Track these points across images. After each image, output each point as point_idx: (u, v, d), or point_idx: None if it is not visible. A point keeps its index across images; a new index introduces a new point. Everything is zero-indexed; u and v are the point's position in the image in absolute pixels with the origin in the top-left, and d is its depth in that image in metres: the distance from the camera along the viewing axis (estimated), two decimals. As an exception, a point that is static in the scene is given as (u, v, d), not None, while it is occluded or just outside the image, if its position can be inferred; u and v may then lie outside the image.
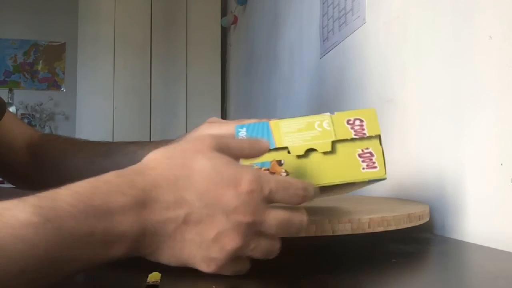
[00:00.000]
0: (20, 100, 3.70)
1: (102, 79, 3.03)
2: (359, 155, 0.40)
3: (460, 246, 0.53)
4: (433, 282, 0.37)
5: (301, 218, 0.34)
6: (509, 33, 0.49)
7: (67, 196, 0.28)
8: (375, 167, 0.40)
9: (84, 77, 3.03)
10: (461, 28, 0.58)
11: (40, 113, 3.77)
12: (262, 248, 0.33)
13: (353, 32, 0.93)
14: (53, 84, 3.91)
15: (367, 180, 0.40)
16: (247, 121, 0.50)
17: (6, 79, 3.80)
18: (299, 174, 0.40)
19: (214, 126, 0.52)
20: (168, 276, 0.33)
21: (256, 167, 0.40)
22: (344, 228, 0.39)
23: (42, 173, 0.67)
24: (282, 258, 0.38)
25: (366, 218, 0.40)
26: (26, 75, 3.88)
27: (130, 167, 0.33)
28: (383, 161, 0.40)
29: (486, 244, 0.51)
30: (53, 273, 0.27)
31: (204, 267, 0.32)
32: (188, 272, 0.33)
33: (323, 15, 1.12)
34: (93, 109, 3.00)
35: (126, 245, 0.30)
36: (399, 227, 0.43)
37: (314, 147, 0.40)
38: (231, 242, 0.31)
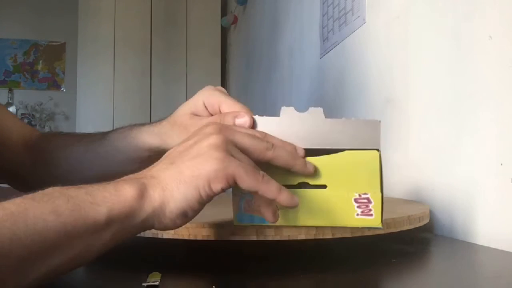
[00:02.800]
0: (20, 100, 3.69)
1: (102, 79, 3.03)
2: (355, 200, 0.37)
3: (461, 246, 0.53)
4: (433, 282, 0.37)
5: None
6: (509, 33, 0.49)
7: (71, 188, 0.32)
8: (371, 215, 0.37)
9: (84, 77, 3.03)
10: (461, 28, 0.58)
11: (40, 113, 3.77)
12: (245, 160, 0.35)
13: (353, 32, 0.93)
14: (53, 84, 3.91)
15: (359, 226, 0.37)
16: (240, 108, 0.50)
17: (6, 79, 3.80)
18: (288, 209, 0.36)
19: (219, 96, 0.54)
20: (168, 276, 0.33)
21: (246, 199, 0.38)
22: (344, 231, 0.39)
23: (39, 168, 0.66)
24: (282, 258, 0.38)
25: None
26: (26, 75, 3.88)
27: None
28: (380, 209, 0.37)
29: (486, 244, 0.51)
30: (83, 218, 0.30)
31: (208, 165, 0.33)
32: (188, 272, 0.33)
33: (323, 15, 1.12)
34: (93, 109, 3.00)
35: (139, 189, 0.32)
36: (399, 229, 0.43)
37: (307, 181, 0.37)
38: (211, 140, 0.34)
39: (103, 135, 0.65)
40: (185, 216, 0.33)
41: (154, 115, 3.06)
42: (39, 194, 0.30)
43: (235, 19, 2.64)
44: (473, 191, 0.55)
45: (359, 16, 0.90)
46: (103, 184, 0.32)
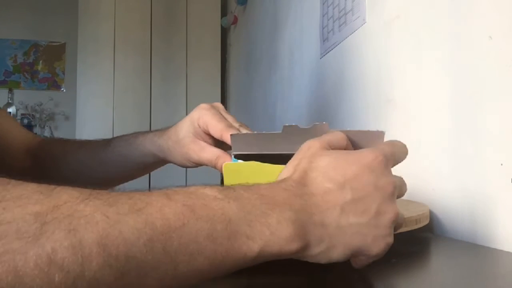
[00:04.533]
0: (20, 100, 3.69)
1: (102, 79, 3.03)
2: None
3: (460, 246, 0.53)
4: (433, 282, 0.37)
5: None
6: (509, 33, 0.49)
7: (241, 187, 0.30)
8: None
9: (84, 77, 3.03)
10: (461, 28, 0.58)
11: (40, 113, 3.77)
12: (401, 215, 0.35)
13: (353, 32, 0.93)
14: (53, 84, 3.91)
15: None
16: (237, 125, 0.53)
17: (6, 79, 3.80)
18: None
19: (207, 114, 0.56)
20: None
21: None
22: None
23: (40, 174, 0.67)
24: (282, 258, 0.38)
25: None
26: (26, 75, 3.88)
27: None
28: None
29: (486, 244, 0.51)
30: (237, 249, 0.28)
31: (376, 248, 0.32)
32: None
33: (323, 15, 1.12)
34: (93, 109, 3.00)
35: (299, 231, 0.30)
36: (401, 231, 0.43)
37: None
38: (392, 210, 0.32)
39: (106, 142, 0.66)
40: None
41: (154, 115, 3.06)
42: (199, 203, 0.27)
43: (235, 19, 2.64)
44: (473, 191, 0.55)
45: (359, 16, 0.90)
46: (266, 206, 0.29)
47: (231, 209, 0.28)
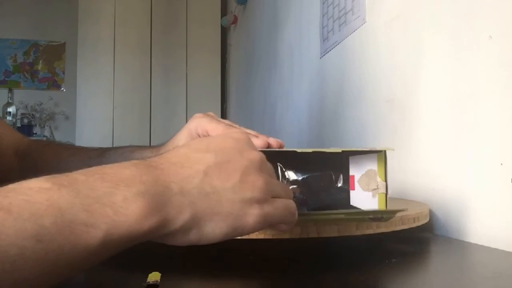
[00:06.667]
0: (20, 100, 3.69)
1: (102, 79, 3.03)
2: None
3: (460, 245, 0.53)
4: (433, 282, 0.37)
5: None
6: (509, 33, 0.49)
7: (79, 171, 0.27)
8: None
9: (84, 77, 3.03)
10: (461, 28, 0.58)
11: (40, 113, 3.77)
12: (281, 204, 0.32)
13: (353, 32, 0.93)
14: (53, 84, 3.91)
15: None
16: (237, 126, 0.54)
17: (6, 79, 3.80)
18: None
19: (203, 121, 0.55)
20: (168, 276, 0.33)
21: None
22: (330, 229, 0.39)
23: (29, 175, 0.66)
24: (283, 257, 0.38)
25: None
26: (26, 75, 3.88)
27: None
28: (385, 196, 0.43)
29: (486, 244, 0.51)
30: (75, 242, 0.24)
31: (250, 218, 0.30)
32: (188, 272, 0.33)
33: (323, 15, 1.12)
34: (93, 109, 3.00)
35: (154, 207, 0.26)
36: (400, 228, 0.43)
37: None
38: (258, 178, 0.31)
39: (100, 153, 0.65)
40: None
41: (154, 115, 3.06)
42: (17, 200, 0.23)
43: (235, 19, 2.64)
44: (473, 191, 0.55)
45: (359, 16, 0.90)
46: (108, 184, 0.26)
47: (62, 197, 0.24)
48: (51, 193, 0.24)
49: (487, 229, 0.52)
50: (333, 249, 0.47)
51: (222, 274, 0.34)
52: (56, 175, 0.26)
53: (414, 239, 0.52)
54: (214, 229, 0.29)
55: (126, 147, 0.65)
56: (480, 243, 0.52)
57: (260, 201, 0.30)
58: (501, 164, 0.49)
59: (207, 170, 0.29)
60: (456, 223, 0.57)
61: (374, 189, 0.43)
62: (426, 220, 0.51)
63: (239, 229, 0.30)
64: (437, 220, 0.61)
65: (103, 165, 0.28)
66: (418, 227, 0.48)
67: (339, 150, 0.42)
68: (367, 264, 0.41)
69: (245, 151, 0.32)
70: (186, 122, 0.58)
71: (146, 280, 0.32)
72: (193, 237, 0.28)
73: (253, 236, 0.37)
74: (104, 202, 0.25)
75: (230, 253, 0.42)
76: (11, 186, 0.25)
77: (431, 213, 0.60)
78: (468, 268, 0.44)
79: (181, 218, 0.28)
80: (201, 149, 0.31)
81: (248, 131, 0.62)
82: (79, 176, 0.26)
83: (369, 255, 0.45)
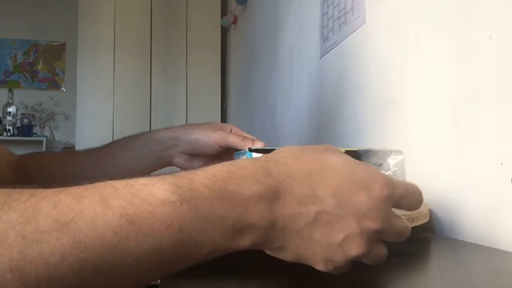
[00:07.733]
0: (20, 100, 3.70)
1: (102, 79, 3.03)
2: None
3: (460, 246, 0.53)
4: (433, 282, 0.37)
5: (407, 225, 0.33)
6: (509, 33, 0.49)
7: (203, 178, 0.27)
8: None
9: (84, 77, 3.03)
10: (461, 28, 0.58)
11: (40, 113, 3.77)
12: (377, 255, 0.32)
13: (353, 32, 0.93)
14: (53, 84, 3.91)
15: None
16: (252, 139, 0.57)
17: (6, 79, 3.80)
18: None
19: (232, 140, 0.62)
20: (167, 276, 0.33)
21: None
22: None
23: (26, 183, 0.66)
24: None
25: None
26: (26, 75, 3.88)
27: (263, 155, 0.32)
28: None
29: (486, 244, 0.51)
30: (183, 257, 0.26)
31: (321, 267, 0.31)
32: (188, 272, 0.32)
33: (323, 15, 1.12)
34: (93, 109, 3.00)
35: (255, 236, 0.28)
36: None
37: None
38: (356, 249, 0.30)
39: (98, 148, 0.67)
40: None
41: (154, 115, 3.06)
42: (142, 211, 0.24)
43: (235, 19, 2.64)
44: (473, 191, 0.55)
45: (359, 16, 0.90)
46: (226, 207, 0.27)
47: (182, 215, 0.25)
48: (174, 209, 0.25)
49: (487, 229, 0.52)
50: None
51: (222, 274, 0.34)
52: (181, 183, 0.26)
53: (414, 239, 0.52)
54: (284, 257, 0.30)
55: (121, 139, 0.67)
56: (480, 243, 0.52)
57: (343, 265, 0.31)
58: (501, 164, 0.49)
59: (317, 217, 0.29)
60: (456, 223, 0.57)
61: None
62: (426, 220, 0.51)
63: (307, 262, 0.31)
64: (437, 220, 0.61)
65: (233, 175, 0.28)
66: (417, 227, 0.48)
67: (356, 149, 0.42)
68: (367, 264, 0.41)
69: (367, 217, 0.29)
70: (186, 122, 0.59)
71: (146, 280, 0.32)
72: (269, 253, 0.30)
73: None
74: (216, 227, 0.26)
75: (230, 253, 0.42)
76: (135, 185, 0.25)
77: (431, 213, 0.60)
78: (469, 268, 0.44)
79: (269, 248, 0.30)
80: (330, 186, 0.29)
81: (247, 135, 0.63)
82: (204, 191, 0.27)
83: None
